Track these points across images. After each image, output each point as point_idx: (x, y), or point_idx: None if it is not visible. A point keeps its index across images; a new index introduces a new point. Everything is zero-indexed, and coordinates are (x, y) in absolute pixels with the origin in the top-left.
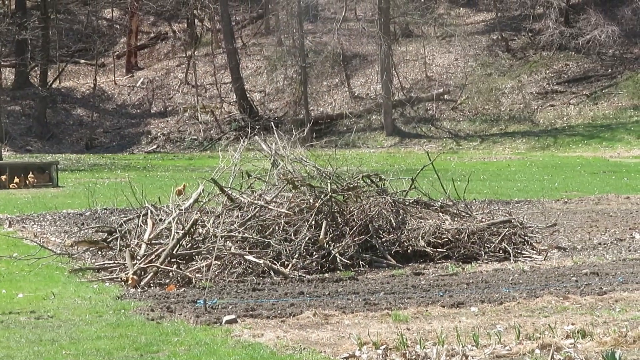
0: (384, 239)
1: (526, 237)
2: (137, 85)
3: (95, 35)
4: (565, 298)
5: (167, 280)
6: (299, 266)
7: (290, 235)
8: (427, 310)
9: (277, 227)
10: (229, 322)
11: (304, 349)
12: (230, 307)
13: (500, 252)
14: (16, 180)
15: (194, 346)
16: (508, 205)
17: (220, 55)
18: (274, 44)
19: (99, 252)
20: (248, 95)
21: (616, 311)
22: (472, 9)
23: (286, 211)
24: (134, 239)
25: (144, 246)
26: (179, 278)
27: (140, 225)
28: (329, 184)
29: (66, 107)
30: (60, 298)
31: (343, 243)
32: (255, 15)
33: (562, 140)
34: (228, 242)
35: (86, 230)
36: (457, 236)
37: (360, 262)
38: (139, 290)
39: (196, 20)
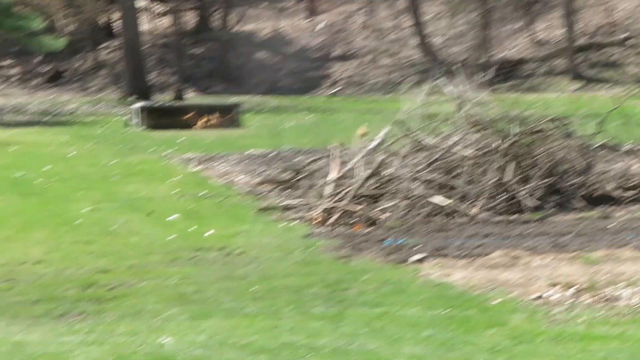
0: (570, 182)
1: None
2: (318, 29)
3: None
4: None
5: (353, 221)
6: (485, 208)
7: (476, 177)
8: (616, 253)
9: (462, 169)
10: (417, 261)
11: (494, 288)
12: (417, 247)
13: None
14: (202, 120)
15: (383, 284)
16: None
17: None
18: None
19: (285, 192)
20: (429, 39)
21: None
22: None
23: (472, 152)
24: (320, 179)
25: (330, 186)
26: (365, 218)
27: (326, 165)
28: (514, 127)
29: (247, 50)
30: (249, 236)
31: (529, 185)
32: None
33: None
34: (414, 183)
35: (272, 170)
36: None
37: (547, 205)
38: (325, 229)
39: None
